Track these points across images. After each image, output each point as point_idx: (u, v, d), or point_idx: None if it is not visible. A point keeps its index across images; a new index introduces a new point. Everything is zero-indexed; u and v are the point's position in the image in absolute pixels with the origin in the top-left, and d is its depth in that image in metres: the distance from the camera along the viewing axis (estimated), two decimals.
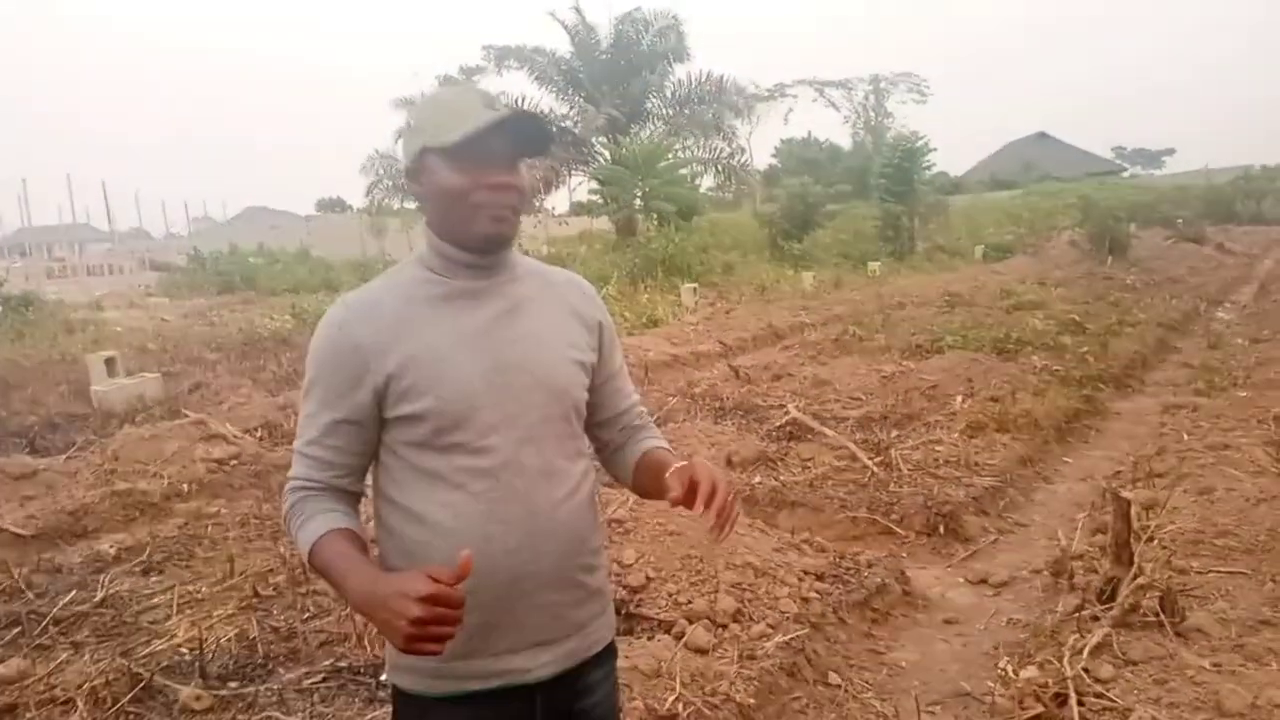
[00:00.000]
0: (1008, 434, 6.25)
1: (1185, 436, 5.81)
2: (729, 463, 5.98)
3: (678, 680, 3.12)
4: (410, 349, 1.45)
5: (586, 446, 1.65)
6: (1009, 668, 2.91)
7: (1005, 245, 24.08)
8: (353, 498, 1.55)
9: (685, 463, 1.48)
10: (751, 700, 3.17)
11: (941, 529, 4.90)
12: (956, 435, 6.28)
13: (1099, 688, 2.79)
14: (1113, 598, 3.38)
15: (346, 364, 1.46)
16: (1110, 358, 8.74)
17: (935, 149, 25.68)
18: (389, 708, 3.13)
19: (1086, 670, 2.87)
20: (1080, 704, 2.70)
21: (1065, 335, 9.65)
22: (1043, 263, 19.93)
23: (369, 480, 1.57)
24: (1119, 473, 5.58)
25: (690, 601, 3.70)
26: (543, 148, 1.53)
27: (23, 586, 4.47)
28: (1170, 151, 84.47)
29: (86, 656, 3.60)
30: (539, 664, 1.51)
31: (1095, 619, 3.29)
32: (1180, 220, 27.41)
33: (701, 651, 3.38)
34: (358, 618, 3.73)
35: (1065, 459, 6.27)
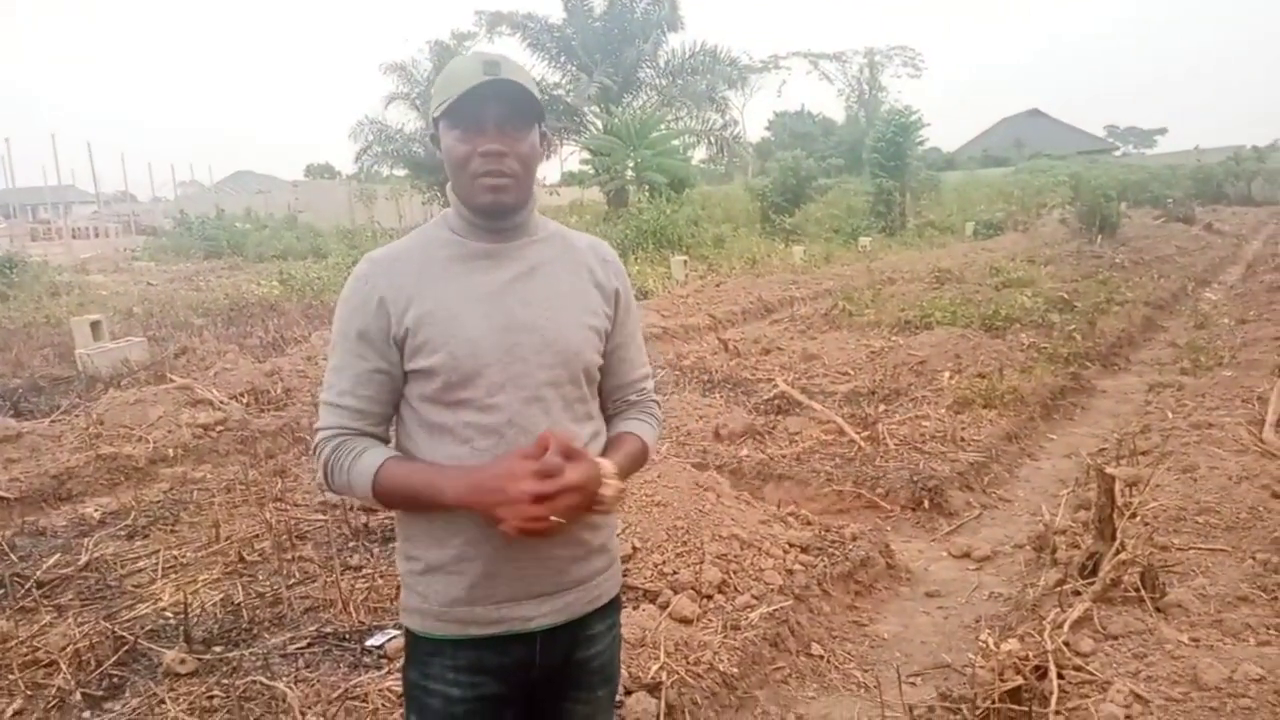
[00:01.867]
0: (994, 410, 6.28)
1: (1169, 415, 5.85)
2: (716, 435, 5.99)
3: (662, 650, 3.14)
4: (426, 305, 1.51)
5: (597, 410, 1.67)
6: (990, 640, 2.92)
7: (996, 222, 24.08)
8: (382, 445, 1.58)
9: (587, 464, 1.47)
10: (735, 670, 3.19)
11: (926, 503, 4.93)
12: (943, 411, 6.31)
13: (1079, 661, 2.81)
14: (1094, 573, 3.40)
15: (371, 316, 1.52)
16: (1097, 336, 8.77)
17: (929, 124, 25.64)
18: (373, 673, 3.17)
19: (1067, 644, 2.89)
20: (1060, 676, 2.72)
21: (1053, 313, 9.67)
22: (1033, 240, 19.95)
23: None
24: (1103, 450, 5.62)
25: (676, 572, 3.72)
26: (532, 111, 1.52)
27: (6, 549, 4.45)
28: (1163, 131, 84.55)
29: (70, 619, 3.59)
30: (540, 614, 1.56)
31: (1076, 593, 3.32)
32: (1170, 200, 27.46)
33: (686, 621, 3.40)
34: (342, 584, 3.73)
35: (1050, 435, 6.31)
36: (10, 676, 3.16)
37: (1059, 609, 3.17)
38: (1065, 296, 10.65)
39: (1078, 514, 4.37)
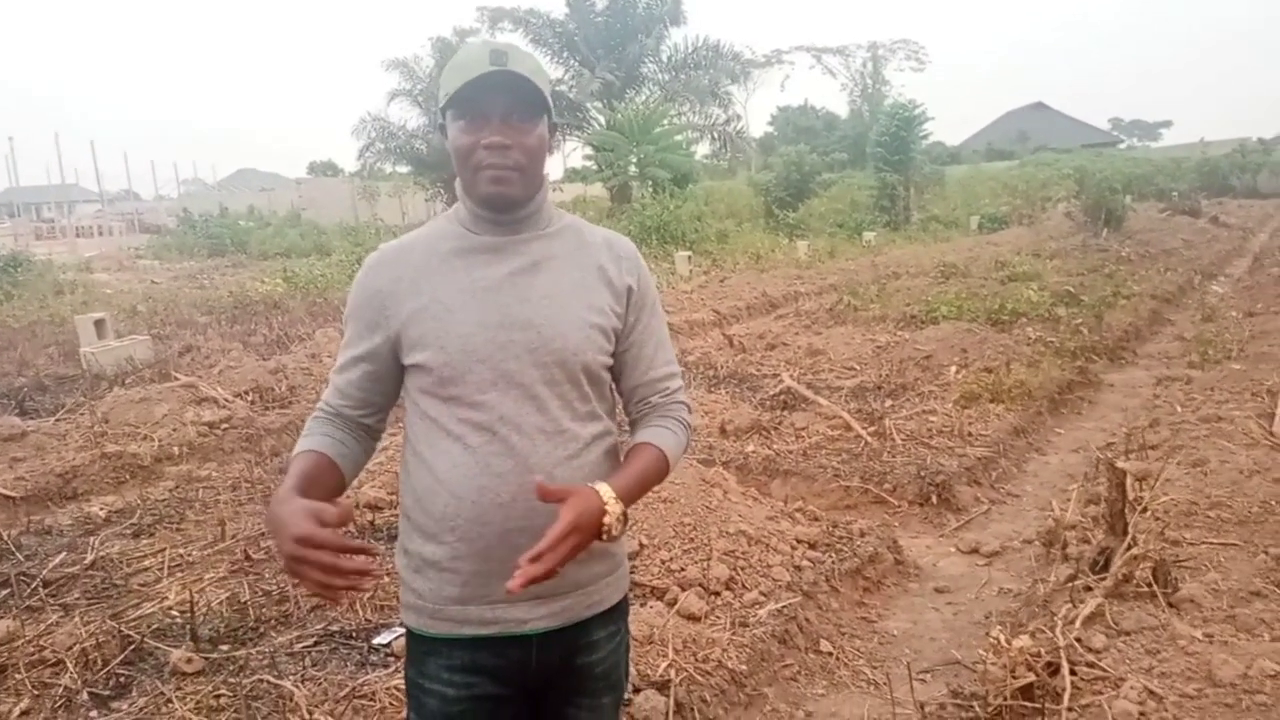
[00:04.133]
0: (1001, 404, 6.25)
1: (1178, 409, 5.82)
2: (722, 431, 5.97)
3: (670, 647, 3.13)
4: (423, 300, 1.50)
5: (608, 411, 1.61)
6: (1001, 637, 2.90)
7: (1001, 216, 24.02)
8: (359, 428, 1.61)
9: (580, 497, 1.39)
10: (743, 667, 3.17)
11: (934, 498, 4.91)
12: (950, 405, 6.28)
13: (1091, 657, 2.79)
14: (1106, 568, 3.38)
15: (367, 306, 1.55)
16: (1104, 329, 8.73)
17: (932, 118, 25.55)
18: (380, 671, 3.15)
19: (1079, 640, 2.87)
20: (1072, 673, 2.70)
21: (1060, 307, 9.64)
22: (1038, 234, 19.88)
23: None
24: (1112, 444, 5.59)
25: (683, 569, 3.70)
26: (538, 103, 1.48)
27: (12, 548, 4.45)
28: (1167, 124, 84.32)
29: (76, 618, 3.57)
30: (535, 616, 1.52)
31: (1088, 589, 3.29)
32: (1175, 193, 27.36)
33: (694, 618, 3.38)
34: None
35: (1058, 430, 6.28)
36: (17, 676, 3.15)
37: (1070, 605, 3.15)
38: (1071, 290, 10.61)
39: (1087, 509, 4.34)
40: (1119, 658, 2.79)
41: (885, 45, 45.81)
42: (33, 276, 17.60)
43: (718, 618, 3.43)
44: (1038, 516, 4.72)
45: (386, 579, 3.76)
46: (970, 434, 5.71)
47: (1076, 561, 3.65)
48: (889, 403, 6.53)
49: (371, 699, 2.92)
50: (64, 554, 4.31)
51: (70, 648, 3.29)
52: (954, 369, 7.19)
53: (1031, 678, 2.69)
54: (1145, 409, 6.23)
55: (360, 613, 3.54)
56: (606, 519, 1.39)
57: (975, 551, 4.40)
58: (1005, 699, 2.68)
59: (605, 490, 1.42)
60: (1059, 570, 3.72)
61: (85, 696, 3.05)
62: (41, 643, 3.37)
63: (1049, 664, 2.76)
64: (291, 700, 2.93)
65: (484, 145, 1.45)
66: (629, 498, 1.46)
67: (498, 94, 1.44)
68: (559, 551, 1.34)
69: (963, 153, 50.16)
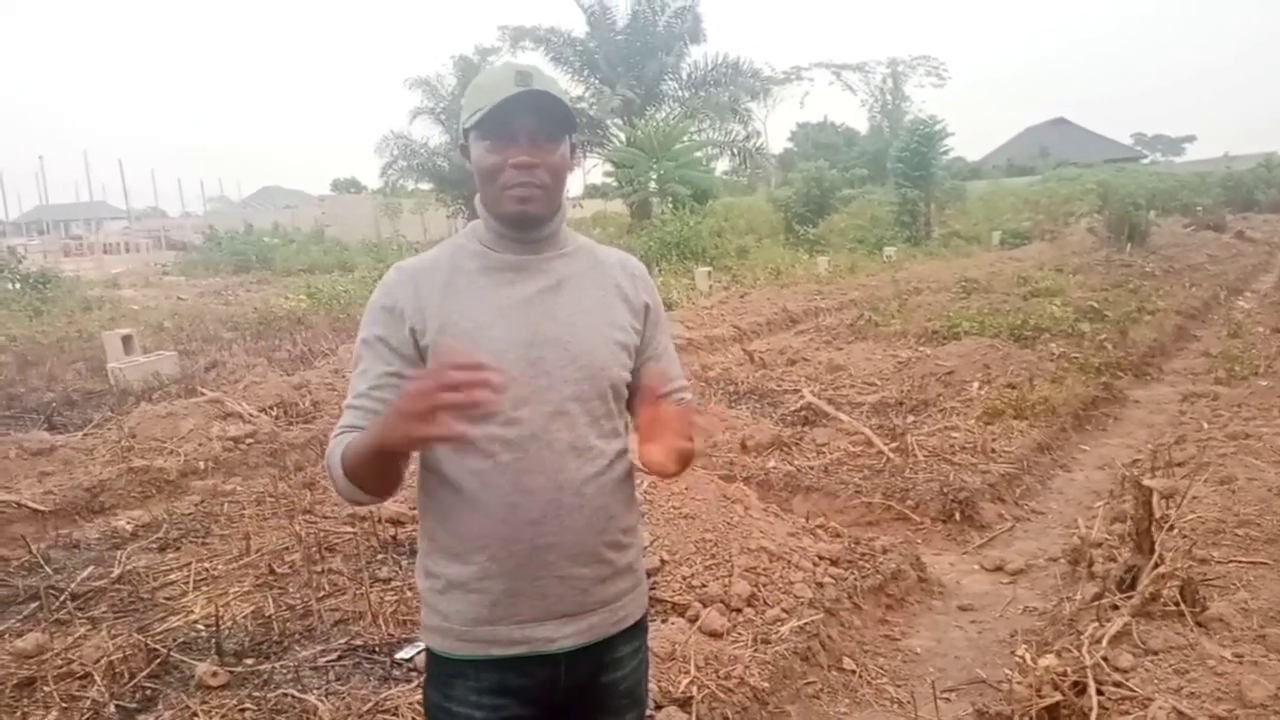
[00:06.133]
0: (1025, 421, 6.20)
1: (1205, 425, 5.75)
2: (743, 447, 5.96)
3: (692, 663, 3.12)
4: (451, 317, 1.50)
5: (625, 427, 1.64)
6: (1026, 655, 2.88)
7: (1023, 231, 23.87)
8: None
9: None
10: (766, 684, 3.16)
11: (957, 515, 4.87)
12: (973, 422, 6.24)
13: (1118, 677, 2.76)
14: (1132, 586, 3.34)
15: (389, 324, 1.53)
16: (1129, 345, 8.65)
17: (953, 133, 25.48)
18: (403, 686, 3.16)
19: (1106, 659, 2.84)
20: (1099, 693, 2.67)
21: (1084, 322, 9.56)
22: (1061, 249, 19.74)
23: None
24: (1138, 461, 5.53)
25: (704, 585, 3.69)
26: (564, 123, 1.50)
27: (41, 561, 4.51)
28: (1191, 138, 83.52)
29: (104, 632, 3.61)
30: (563, 635, 1.52)
31: (1115, 608, 3.26)
32: (1200, 208, 27.12)
33: (716, 635, 3.38)
34: (372, 596, 3.74)
35: (1083, 447, 6.22)
36: (46, 688, 3.18)
37: (1097, 623, 3.12)
38: (1095, 305, 10.53)
39: (1113, 526, 4.30)
40: (1147, 677, 2.75)
41: (905, 61, 45.80)
42: (61, 293, 17.88)
43: (739, 634, 3.42)
44: (1063, 534, 4.68)
45: (409, 593, 3.78)
46: (994, 450, 5.67)
47: (1103, 580, 3.62)
48: (911, 419, 6.49)
49: (395, 714, 2.93)
50: (91, 568, 4.36)
51: (98, 661, 3.33)
52: (976, 385, 7.15)
53: (1058, 697, 2.66)
54: (1171, 426, 6.16)
55: (383, 627, 3.55)
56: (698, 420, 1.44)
57: (1000, 569, 4.37)
58: (1031, 719, 2.65)
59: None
60: (1085, 588, 3.68)
61: (112, 709, 3.08)
62: (69, 655, 3.41)
63: (1075, 683, 2.73)
64: (315, 715, 2.95)
65: (512, 164, 1.47)
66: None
67: (525, 114, 1.46)
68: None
69: (984, 168, 49.98)
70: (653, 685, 2.95)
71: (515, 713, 1.53)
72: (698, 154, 24.85)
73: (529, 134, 1.47)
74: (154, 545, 4.74)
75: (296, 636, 3.56)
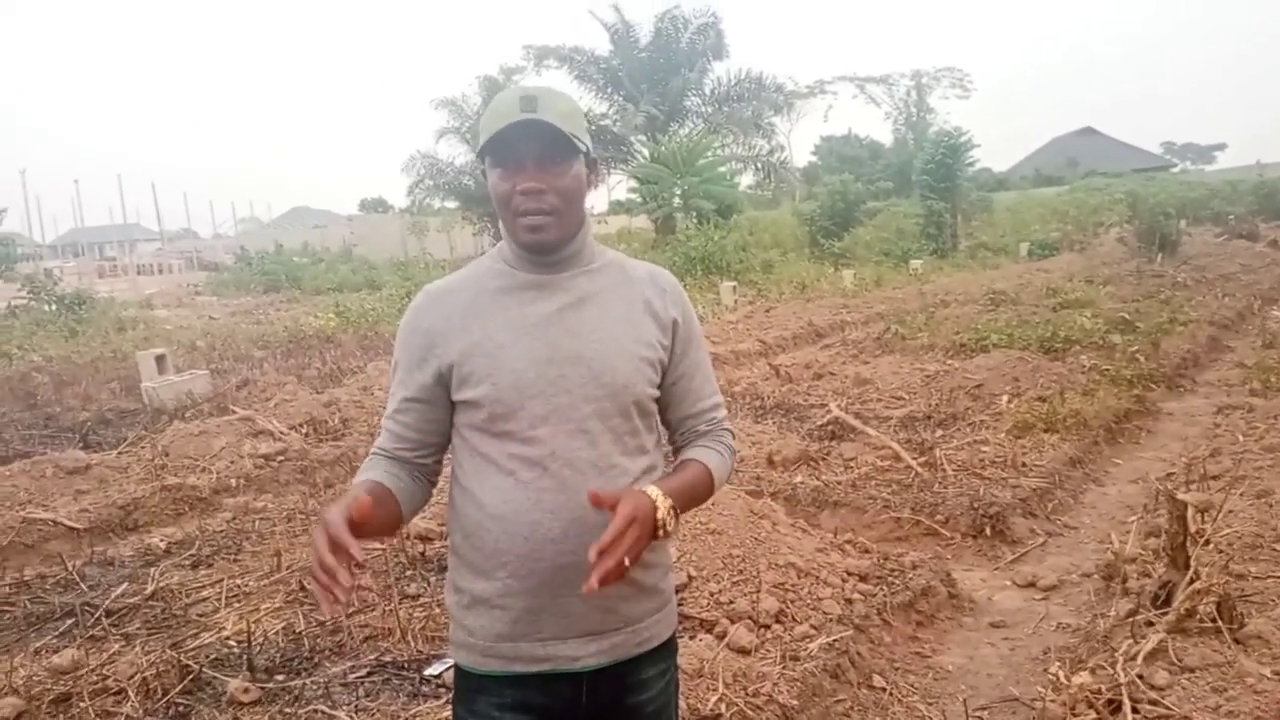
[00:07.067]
0: (1056, 434, 6.13)
1: (1240, 438, 5.66)
2: (770, 462, 5.94)
3: (720, 680, 3.10)
4: (474, 337, 1.52)
5: (655, 444, 1.62)
6: (1060, 673, 2.84)
7: (1051, 242, 23.65)
8: (415, 467, 1.60)
9: (631, 494, 1.42)
10: (795, 702, 3.13)
11: (988, 530, 4.82)
12: (1003, 435, 6.18)
13: (1154, 694, 2.71)
14: (1168, 603, 3.29)
15: (416, 346, 1.57)
16: (1161, 357, 8.53)
17: (978, 145, 25.36)
18: (432, 703, 3.17)
19: (1141, 676, 2.79)
20: (1135, 711, 2.63)
21: (1114, 334, 9.44)
22: (1090, 260, 19.55)
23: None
24: (1172, 474, 5.45)
25: (732, 601, 3.67)
26: (571, 146, 1.48)
27: (77, 578, 4.57)
28: (1222, 146, 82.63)
29: (138, 648, 3.66)
30: (586, 654, 1.52)
31: (1149, 624, 3.20)
32: (1232, 217, 26.73)
33: (744, 652, 3.36)
34: (401, 613, 3.76)
35: (1115, 460, 6.14)
36: (81, 704, 3.22)
37: (1131, 640, 3.07)
38: (1126, 317, 10.40)
39: (1148, 541, 4.23)
40: (1183, 695, 2.71)
41: (929, 73, 45.61)
42: (96, 313, 18.20)
43: (768, 651, 3.40)
44: (1096, 549, 4.61)
45: (438, 610, 3.79)
46: (1024, 464, 5.61)
47: (1137, 596, 3.56)
48: (939, 433, 6.44)
49: None
50: (126, 584, 4.42)
51: (132, 676, 3.37)
52: (1006, 398, 7.08)
53: (1092, 715, 2.63)
54: (1206, 438, 6.07)
55: (412, 644, 3.57)
56: (660, 513, 1.41)
57: (1032, 585, 4.31)
58: None
59: (652, 489, 1.44)
60: (1119, 605, 3.62)
61: None
62: (104, 671, 3.45)
63: (1110, 701, 2.69)
64: None
65: (520, 191, 1.47)
66: (677, 500, 1.47)
67: (530, 139, 1.45)
68: (623, 543, 1.35)
69: (1011, 179, 49.64)
70: (681, 702, 2.93)
71: None
72: (721, 169, 24.91)
73: (535, 160, 1.46)
74: (187, 562, 4.80)
75: (327, 653, 3.58)
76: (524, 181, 1.46)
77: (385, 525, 1.51)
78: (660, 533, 1.42)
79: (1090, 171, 47.68)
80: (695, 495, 1.56)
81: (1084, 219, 28.51)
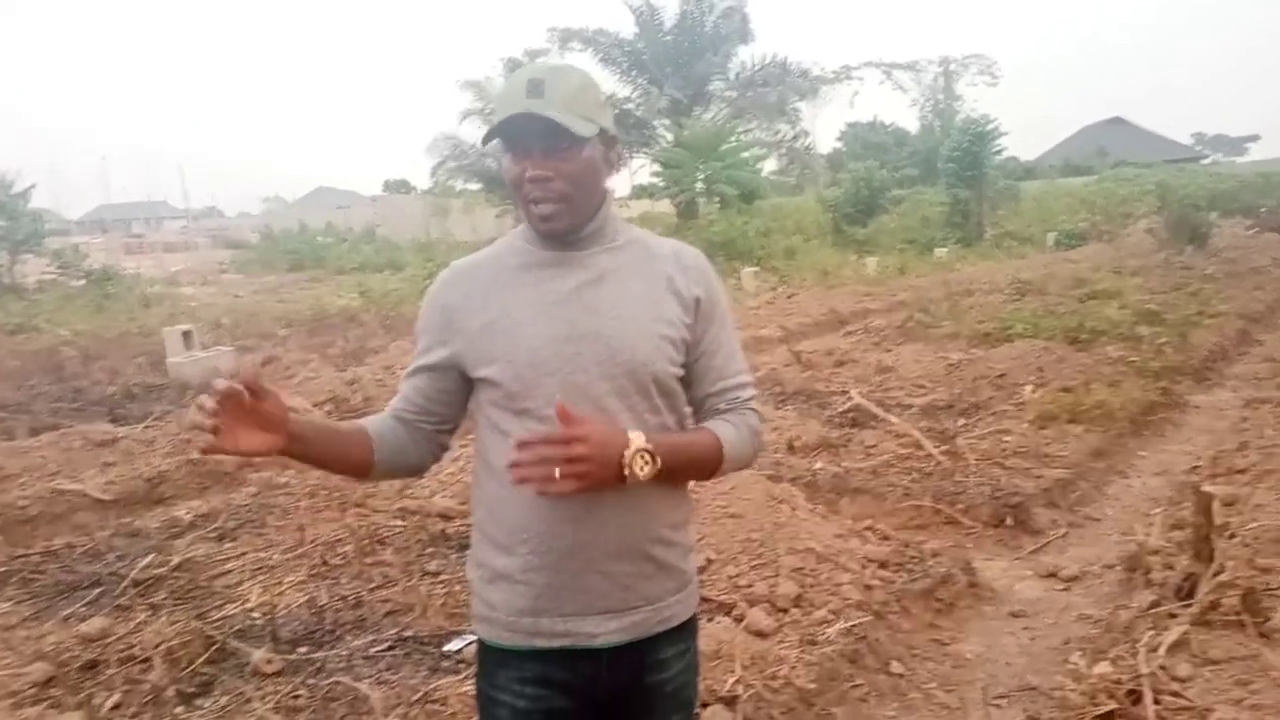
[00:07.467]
0: (1080, 425, 6.08)
1: (1268, 432, 5.58)
2: (790, 448, 5.93)
3: (738, 663, 3.11)
4: (491, 314, 1.53)
5: (679, 423, 1.60)
6: (1081, 663, 2.83)
7: (1078, 233, 23.36)
8: (416, 431, 1.64)
9: (600, 421, 1.43)
10: (812, 685, 3.15)
11: (1009, 520, 4.79)
12: (1026, 425, 6.13)
13: (1176, 686, 2.70)
14: (1191, 595, 3.26)
15: (435, 321, 1.60)
16: (1189, 349, 8.44)
17: (1006, 133, 25.05)
18: (452, 677, 3.20)
19: (1163, 668, 2.78)
20: (1156, 702, 2.61)
21: (1142, 325, 9.33)
22: (1118, 251, 19.29)
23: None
24: (1198, 467, 5.39)
25: (750, 585, 3.68)
26: (572, 134, 1.44)
27: (104, 549, 4.64)
28: (1254, 138, 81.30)
29: (163, 618, 3.71)
30: (605, 631, 1.53)
31: (1172, 616, 3.18)
32: (1264, 209, 26.28)
33: (762, 635, 3.37)
34: (421, 589, 3.79)
35: (1140, 452, 6.08)
36: (109, 671, 3.28)
37: (1154, 632, 3.05)
38: (1154, 309, 10.27)
39: (1172, 534, 4.19)
40: (1206, 688, 2.69)
41: (957, 60, 44.95)
42: (123, 289, 18.40)
43: (786, 635, 3.41)
44: (1119, 541, 4.58)
45: (458, 587, 3.82)
46: (1047, 455, 5.57)
47: (1160, 588, 3.53)
48: (961, 421, 6.40)
49: (443, 704, 2.97)
50: (152, 556, 4.47)
51: (157, 646, 3.42)
52: (1030, 388, 7.02)
53: (1113, 705, 2.62)
54: (1233, 432, 5.99)
55: (433, 619, 3.60)
56: (627, 452, 1.39)
57: (1053, 575, 4.29)
58: None
59: (634, 432, 1.42)
60: (1142, 596, 3.59)
61: (172, 693, 3.16)
62: (131, 640, 3.50)
63: (1131, 692, 2.67)
64: (367, 703, 3.00)
65: (528, 178, 1.47)
66: (662, 448, 1.43)
67: (534, 125, 1.43)
68: (555, 451, 1.35)
69: (1038, 168, 48.98)
70: (700, 685, 2.95)
71: (557, 704, 1.55)
72: (745, 154, 24.74)
73: (541, 147, 1.45)
74: (212, 535, 4.85)
75: (348, 626, 3.62)
76: (531, 168, 1.46)
77: (344, 459, 1.58)
78: (625, 473, 1.39)
79: (1120, 162, 47.00)
80: (694, 456, 1.53)
81: (1112, 209, 28.13)
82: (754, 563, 3.82)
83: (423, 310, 1.63)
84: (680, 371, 1.57)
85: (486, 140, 1.52)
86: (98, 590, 4.09)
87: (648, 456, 1.41)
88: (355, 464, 1.58)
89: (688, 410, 1.64)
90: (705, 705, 2.89)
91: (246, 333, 12.23)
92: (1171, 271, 14.48)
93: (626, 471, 1.39)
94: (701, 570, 3.76)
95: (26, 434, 6.85)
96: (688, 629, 1.65)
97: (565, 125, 1.42)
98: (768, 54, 28.40)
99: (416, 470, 1.69)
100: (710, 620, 3.40)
